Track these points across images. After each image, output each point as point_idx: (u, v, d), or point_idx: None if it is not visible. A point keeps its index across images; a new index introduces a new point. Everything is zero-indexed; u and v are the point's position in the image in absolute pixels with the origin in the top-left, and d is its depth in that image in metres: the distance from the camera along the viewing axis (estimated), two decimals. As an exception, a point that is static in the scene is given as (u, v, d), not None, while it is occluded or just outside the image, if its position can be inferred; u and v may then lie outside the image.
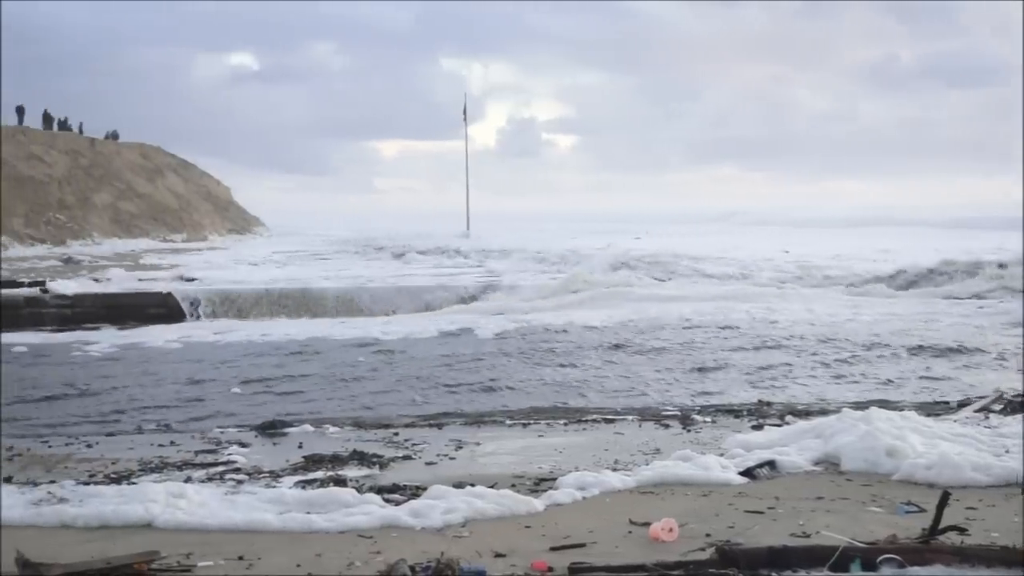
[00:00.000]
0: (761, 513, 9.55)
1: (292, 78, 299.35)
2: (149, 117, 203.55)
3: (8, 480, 11.76)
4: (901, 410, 13.87)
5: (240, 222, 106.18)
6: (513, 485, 10.90)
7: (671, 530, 8.66)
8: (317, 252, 66.23)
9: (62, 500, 10.47)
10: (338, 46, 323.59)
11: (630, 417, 16.01)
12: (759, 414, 15.98)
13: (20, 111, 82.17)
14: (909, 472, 10.96)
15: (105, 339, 28.01)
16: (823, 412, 15.34)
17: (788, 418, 15.19)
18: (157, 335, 28.60)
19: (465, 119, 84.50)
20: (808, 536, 8.57)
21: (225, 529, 9.41)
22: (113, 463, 12.91)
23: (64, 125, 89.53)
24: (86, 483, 11.51)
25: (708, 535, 8.69)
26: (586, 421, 15.69)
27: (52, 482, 11.52)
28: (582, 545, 8.55)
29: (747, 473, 11.28)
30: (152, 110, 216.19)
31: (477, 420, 16.13)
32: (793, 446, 12.36)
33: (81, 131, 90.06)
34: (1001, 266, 38.53)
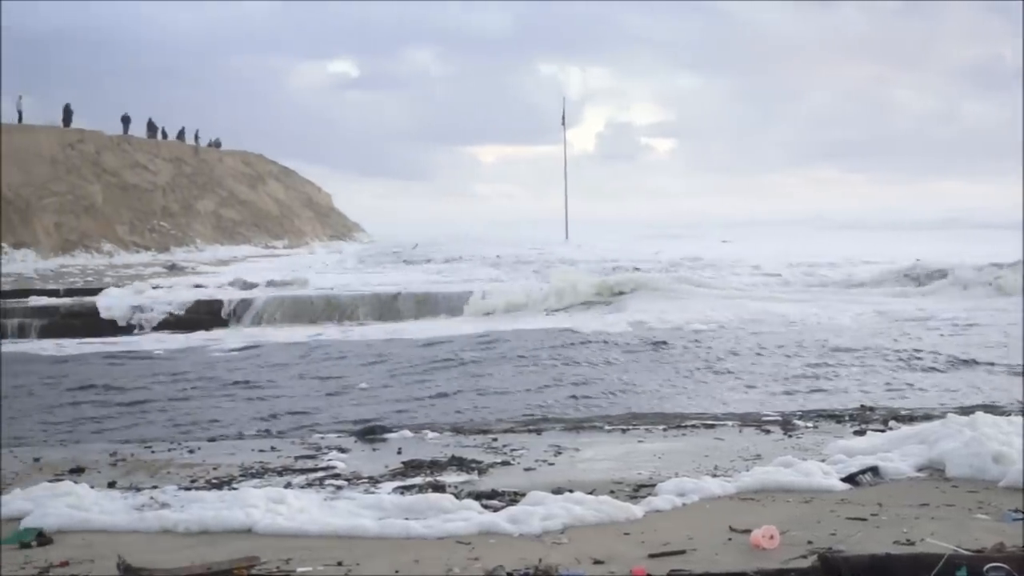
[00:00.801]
0: (864, 520, 9.40)
1: (391, 84, 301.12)
2: (251, 125, 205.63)
3: (111, 485, 11.93)
4: (1007, 415, 13.61)
5: (340, 228, 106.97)
6: (612, 491, 10.84)
7: (772, 537, 8.55)
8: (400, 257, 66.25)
9: (164, 505, 10.58)
10: (437, 52, 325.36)
11: (730, 423, 15.86)
12: (861, 419, 15.76)
13: (126, 120, 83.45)
14: (1016, 478, 10.73)
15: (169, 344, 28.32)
16: (927, 417, 15.10)
17: (891, 423, 14.97)
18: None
19: (564, 124, 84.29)
20: (912, 544, 8.42)
21: (324, 535, 9.45)
22: (215, 468, 13.04)
23: (180, 135, 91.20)
24: (188, 488, 11.64)
25: (810, 542, 8.57)
26: (686, 427, 15.57)
27: (154, 487, 11.66)
28: (681, 552, 8.47)
29: (849, 479, 11.12)
30: (254, 118, 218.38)
31: (576, 426, 16.07)
32: (896, 452, 12.16)
33: (197, 138, 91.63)
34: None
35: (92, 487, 11.43)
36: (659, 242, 72.54)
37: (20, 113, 74.09)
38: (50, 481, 11.86)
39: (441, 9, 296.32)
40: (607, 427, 15.81)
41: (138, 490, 11.57)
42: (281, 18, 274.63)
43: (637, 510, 9.97)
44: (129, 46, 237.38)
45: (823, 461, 11.93)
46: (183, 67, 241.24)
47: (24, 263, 54.04)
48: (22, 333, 32.35)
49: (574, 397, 19.02)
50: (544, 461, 13.13)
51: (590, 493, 10.48)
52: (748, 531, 8.82)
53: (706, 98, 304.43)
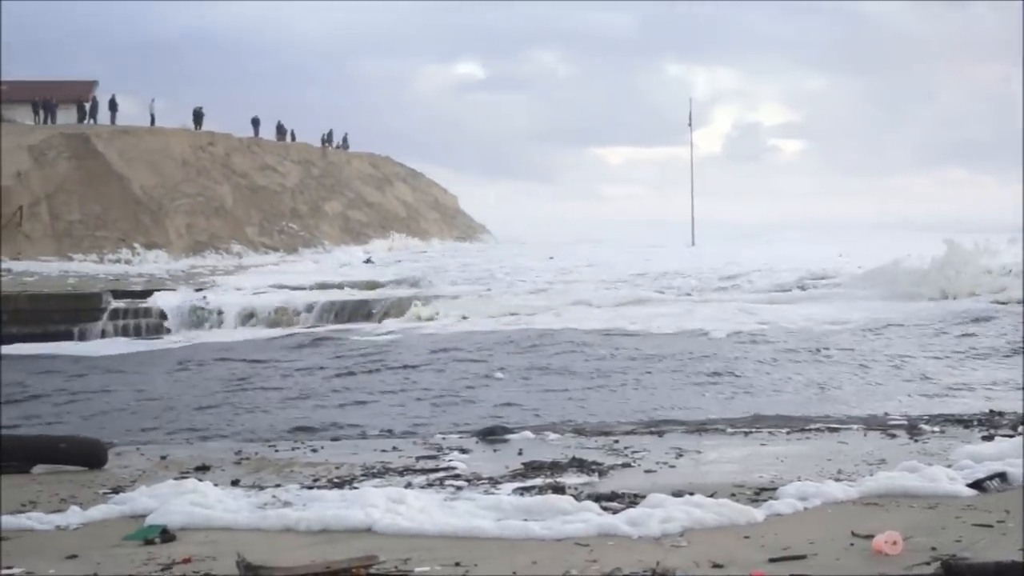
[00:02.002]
0: (990, 527, 9.18)
1: (517, 86, 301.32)
2: (378, 127, 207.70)
3: (235, 483, 12.08)
4: None
5: (466, 230, 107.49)
6: (733, 494, 10.71)
7: (895, 543, 8.39)
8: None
9: (286, 504, 10.69)
10: (562, 53, 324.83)
11: (855, 426, 15.64)
12: (990, 424, 15.42)
13: (256, 123, 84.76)
14: None
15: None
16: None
17: (1021, 428, 14.63)
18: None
19: (691, 125, 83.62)
20: (1040, 552, 8.21)
21: (443, 535, 9.46)
22: (337, 468, 13.15)
23: (330, 139, 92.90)
24: (310, 487, 11.74)
25: (934, 548, 8.39)
26: (809, 430, 15.37)
27: (277, 486, 11.78)
28: (802, 557, 8.35)
29: (976, 485, 10.86)
30: (381, 120, 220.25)
31: (698, 428, 15.96)
32: (1027, 458, 11.87)
33: (330, 139, 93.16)
34: None
35: (216, 485, 11.60)
36: (773, 245, 71.35)
37: (152, 116, 75.63)
38: (175, 479, 12.06)
39: (566, 10, 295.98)
40: (729, 430, 15.67)
41: (261, 488, 11.70)
42: (407, 21, 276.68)
43: (758, 514, 9.85)
44: (258, 49, 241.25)
45: (949, 466, 11.68)
46: (311, 70, 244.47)
47: (156, 264, 55.09)
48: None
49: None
50: (665, 463, 13.04)
51: (710, 496, 10.37)
52: (871, 536, 8.66)
53: (834, 99, 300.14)
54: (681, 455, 13.56)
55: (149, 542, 9.41)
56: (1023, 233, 53.56)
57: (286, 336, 32.43)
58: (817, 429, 15.44)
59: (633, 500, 10.55)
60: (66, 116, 71.94)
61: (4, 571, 8.61)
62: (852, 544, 8.71)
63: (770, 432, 15.26)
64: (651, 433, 15.48)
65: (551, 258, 58.03)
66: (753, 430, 15.51)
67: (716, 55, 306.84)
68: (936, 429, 15.14)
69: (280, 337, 32.23)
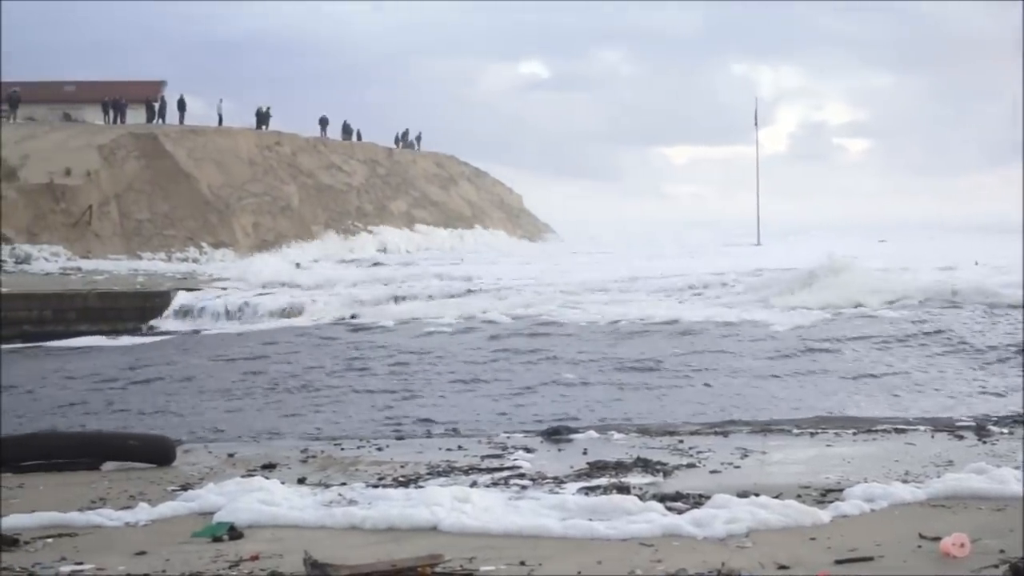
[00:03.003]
0: (1060, 530, 9.09)
1: (581, 86, 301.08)
2: (443, 126, 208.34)
3: (301, 481, 12.16)
4: None
5: (531, 229, 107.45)
6: (799, 495, 10.66)
7: (963, 545, 8.32)
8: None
9: (352, 502, 10.75)
10: (626, 52, 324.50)
11: (922, 427, 15.51)
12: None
13: (323, 122, 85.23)
14: None
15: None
16: None
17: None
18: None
19: (756, 124, 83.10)
20: (1111, 556, 8.11)
21: (508, 534, 9.48)
22: (402, 466, 13.20)
23: (404, 139, 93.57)
24: (375, 486, 11.80)
25: (1002, 551, 8.31)
26: (876, 431, 15.26)
27: (343, 484, 11.85)
28: (869, 559, 8.30)
29: (1046, 487, 10.76)
30: (445, 120, 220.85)
31: (764, 428, 15.90)
32: (1099, 460, 11.74)
33: (406, 137, 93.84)
34: None
35: (283, 483, 11.70)
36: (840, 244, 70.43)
37: (220, 116, 76.19)
38: (242, 476, 12.17)
39: (630, 9, 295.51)
40: (795, 430, 15.59)
41: (327, 486, 11.78)
42: (471, 20, 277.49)
43: (824, 515, 9.79)
44: (324, 49, 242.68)
45: (1018, 468, 11.56)
46: (376, 70, 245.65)
47: (223, 262, 55.51)
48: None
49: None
50: (730, 464, 12.99)
51: (776, 497, 10.33)
52: (938, 539, 8.59)
53: (900, 97, 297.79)
54: (746, 455, 13.52)
55: (217, 539, 9.50)
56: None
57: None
58: (884, 430, 15.33)
59: (698, 500, 10.53)
60: (135, 116, 72.65)
61: (74, 567, 8.73)
62: (919, 546, 8.65)
63: (836, 433, 15.17)
64: (716, 433, 15.43)
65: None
66: (819, 431, 15.42)
67: (781, 53, 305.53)
68: (1005, 430, 15.00)
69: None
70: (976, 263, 39.12)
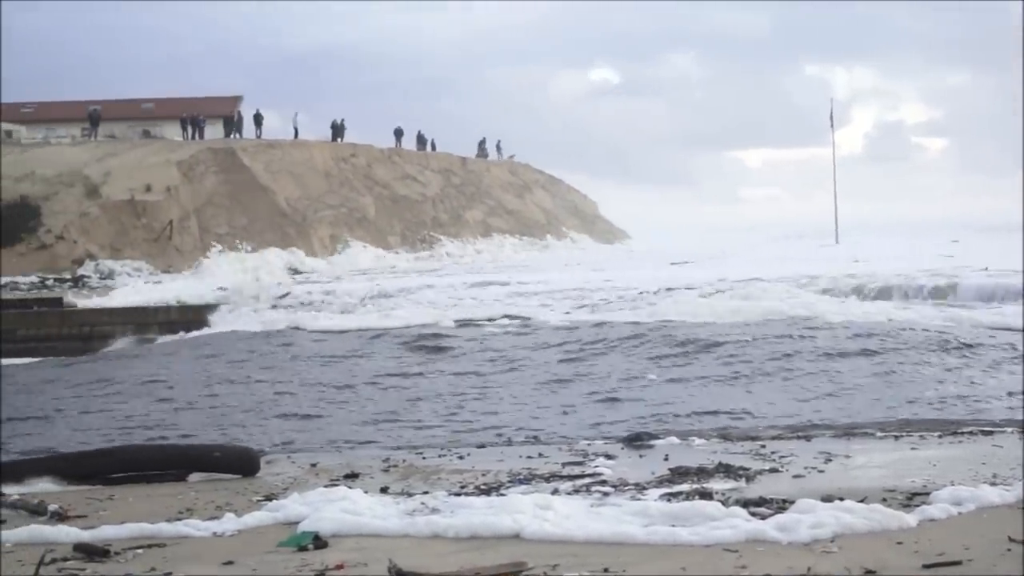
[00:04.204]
0: None
1: (652, 90, 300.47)
2: (516, 134, 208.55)
3: (384, 490, 12.23)
4: None
5: (607, 235, 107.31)
6: (884, 499, 10.58)
7: (1053, 549, 8.23)
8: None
9: (434, 510, 10.80)
10: (697, 56, 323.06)
11: (1009, 429, 15.33)
12: None
13: (398, 133, 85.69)
14: None
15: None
16: None
17: None
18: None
19: (832, 125, 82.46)
20: None
21: (591, 541, 9.49)
22: (483, 474, 13.23)
23: (483, 148, 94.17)
24: (457, 494, 11.85)
25: (1093, 554, 8.22)
26: (962, 433, 15.11)
27: (425, 493, 11.91)
28: (957, 563, 8.23)
29: None
30: (518, 128, 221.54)
31: (847, 432, 15.77)
32: None
33: (484, 146, 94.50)
34: None
35: (365, 492, 11.77)
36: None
37: (296, 129, 76.82)
38: (326, 486, 12.25)
39: (699, 12, 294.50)
40: (879, 434, 15.46)
41: (409, 495, 11.84)
42: (542, 28, 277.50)
43: (910, 519, 9.71)
44: (397, 60, 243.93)
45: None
46: (449, 79, 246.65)
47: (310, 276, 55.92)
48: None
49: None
50: (813, 468, 12.91)
51: (861, 501, 10.26)
52: (1028, 542, 8.51)
53: (977, 95, 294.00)
54: (830, 460, 13.42)
55: (302, 548, 9.59)
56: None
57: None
58: (970, 432, 15.16)
59: (782, 505, 10.47)
60: (213, 132, 73.41)
61: (164, 577, 8.87)
62: (1008, 550, 8.56)
63: (921, 436, 15.03)
64: (798, 438, 15.33)
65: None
66: (903, 434, 15.28)
67: (854, 53, 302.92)
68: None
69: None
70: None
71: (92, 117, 73.71)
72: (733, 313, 30.81)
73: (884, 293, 34.59)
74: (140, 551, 9.82)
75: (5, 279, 47.24)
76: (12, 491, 12.63)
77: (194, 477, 13.74)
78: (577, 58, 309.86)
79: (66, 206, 55.51)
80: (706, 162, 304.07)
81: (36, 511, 11.59)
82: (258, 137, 73.12)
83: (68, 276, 49.43)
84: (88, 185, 57.38)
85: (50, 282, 47.71)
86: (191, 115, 73.66)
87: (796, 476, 12.47)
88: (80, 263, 51.60)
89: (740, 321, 29.36)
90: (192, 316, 36.79)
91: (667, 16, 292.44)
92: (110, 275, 50.65)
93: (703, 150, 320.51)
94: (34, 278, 48.32)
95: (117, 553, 9.70)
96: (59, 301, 38.78)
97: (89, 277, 49.49)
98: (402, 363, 26.26)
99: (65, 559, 9.52)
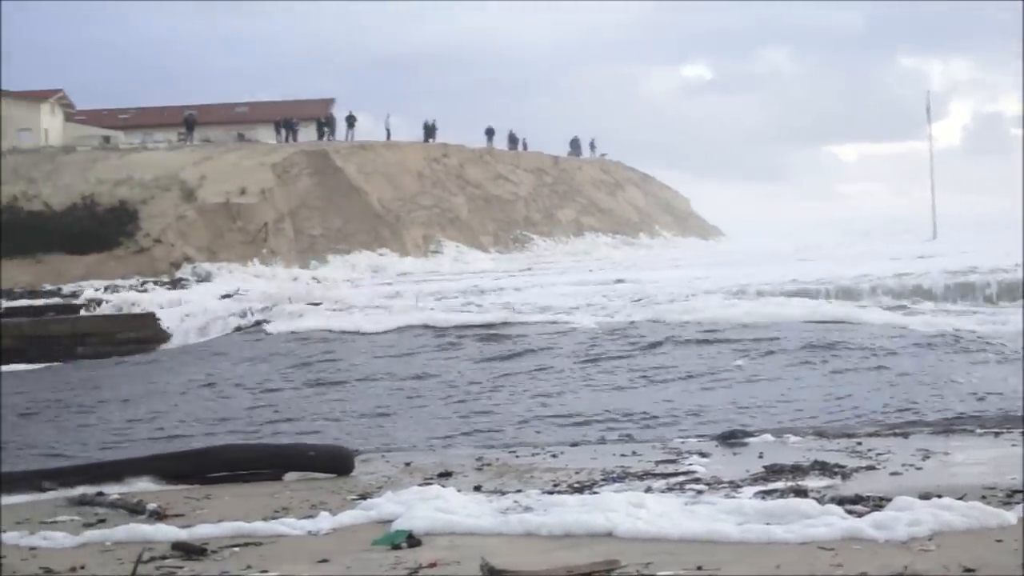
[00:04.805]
0: None
1: (746, 86, 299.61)
2: (607, 132, 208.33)
3: (477, 489, 12.26)
4: None
5: (700, 232, 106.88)
6: (983, 497, 10.39)
7: None
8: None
9: (527, 509, 10.79)
10: (791, 51, 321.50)
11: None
12: None
13: (490, 133, 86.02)
14: None
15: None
16: None
17: None
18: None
19: (928, 118, 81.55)
20: None
21: (684, 539, 9.42)
22: (576, 472, 13.21)
23: (575, 146, 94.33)
24: (550, 492, 11.84)
25: None
26: (1066, 429, 14.85)
27: (518, 491, 11.91)
28: (1058, 561, 8.08)
29: None
30: (610, 125, 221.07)
31: (946, 428, 15.55)
32: None
33: (577, 145, 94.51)
34: None
35: (459, 491, 11.81)
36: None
37: (388, 131, 77.36)
38: (419, 485, 12.30)
39: (793, 7, 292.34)
40: (979, 430, 15.22)
41: (503, 493, 11.85)
42: (633, 25, 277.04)
43: (1010, 516, 9.53)
44: (488, 60, 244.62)
45: None
46: (540, 78, 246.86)
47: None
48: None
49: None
50: (911, 465, 12.73)
51: (960, 498, 10.10)
52: None
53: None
54: (928, 457, 13.23)
55: (396, 547, 9.62)
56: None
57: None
58: (1074, 430, 14.89)
59: (878, 503, 10.33)
60: (306, 134, 74.13)
61: (259, 575, 8.94)
62: (1112, 547, 8.39)
63: (1022, 433, 14.78)
64: (895, 435, 15.14)
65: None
66: (1004, 430, 15.03)
67: (949, 46, 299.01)
68: None
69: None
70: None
71: (188, 122, 74.84)
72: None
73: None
74: (236, 549, 9.92)
75: (106, 282, 48.06)
76: (112, 490, 12.86)
77: (289, 476, 13.87)
78: (669, 55, 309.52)
79: (163, 210, 56.40)
80: (801, 157, 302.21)
81: (135, 510, 11.77)
82: (350, 139, 73.71)
83: (166, 279, 50.14)
84: (184, 189, 58.23)
85: (149, 285, 48.44)
86: (285, 118, 74.53)
87: (893, 473, 12.31)
88: (178, 266, 52.42)
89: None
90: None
91: (760, 12, 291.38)
92: (207, 277, 51.33)
93: (798, 145, 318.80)
94: (133, 281, 49.08)
95: (214, 551, 9.80)
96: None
97: (187, 280, 50.17)
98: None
99: (163, 557, 9.64)
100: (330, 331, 33.71)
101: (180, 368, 29.67)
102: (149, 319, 37.91)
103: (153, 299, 42.61)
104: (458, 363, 26.71)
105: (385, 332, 32.71)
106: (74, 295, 44.66)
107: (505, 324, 32.30)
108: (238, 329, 37.03)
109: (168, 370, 29.52)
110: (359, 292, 43.87)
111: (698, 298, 35.60)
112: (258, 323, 36.82)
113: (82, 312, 40.34)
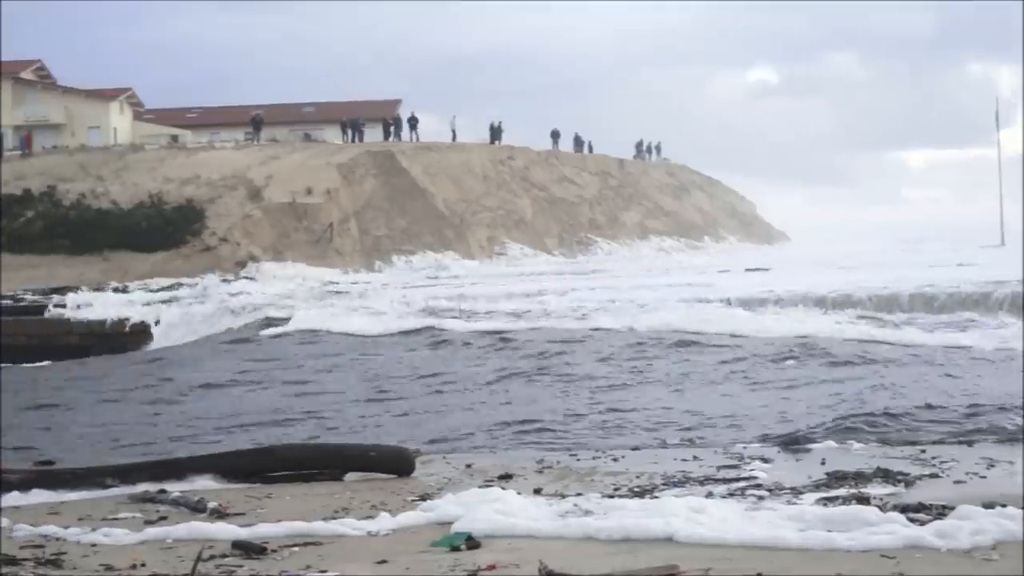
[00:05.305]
0: None
1: (812, 90, 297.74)
2: (672, 136, 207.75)
3: (537, 492, 12.25)
4: None
5: (765, 237, 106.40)
6: (1048, 506, 10.28)
7: None
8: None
9: (587, 512, 10.78)
10: (859, 56, 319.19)
11: None
12: None
13: (555, 135, 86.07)
14: None
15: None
16: None
17: None
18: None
19: (997, 125, 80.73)
20: None
21: (744, 545, 9.37)
22: (637, 477, 13.18)
23: (640, 149, 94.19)
24: (611, 496, 11.82)
25: None
26: None
27: (578, 494, 11.89)
28: (1124, 573, 7.98)
29: None
30: (675, 129, 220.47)
31: (1011, 437, 15.36)
32: None
33: (641, 148, 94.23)
34: None
35: (519, 493, 11.81)
36: None
37: (454, 132, 77.55)
38: (480, 487, 12.31)
39: (861, 11, 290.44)
40: (1045, 440, 15.05)
41: (563, 497, 11.84)
42: (699, 29, 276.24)
43: (1077, 527, 9.43)
44: (554, 61, 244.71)
45: None
46: (606, 80, 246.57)
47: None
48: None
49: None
50: (975, 474, 12.59)
51: (1024, 508, 9.99)
52: None
53: None
54: (992, 466, 13.08)
55: (455, 549, 9.64)
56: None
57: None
58: None
59: (941, 512, 10.23)
60: (372, 135, 74.45)
61: (318, 574, 8.98)
62: None
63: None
64: (960, 443, 14.99)
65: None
66: (1071, 440, 14.85)
67: (1019, 51, 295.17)
68: None
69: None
70: None
71: (255, 121, 75.40)
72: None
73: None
74: (296, 549, 9.98)
75: (171, 280, 48.51)
76: (174, 488, 12.97)
77: (350, 476, 13.93)
78: (735, 58, 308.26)
79: (229, 209, 56.83)
80: (867, 162, 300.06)
81: (196, 508, 11.87)
82: (414, 140, 73.99)
83: (231, 278, 50.52)
84: (251, 188, 58.67)
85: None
86: (351, 118, 74.83)
87: (957, 482, 12.19)
88: (243, 265, 52.75)
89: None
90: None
91: (827, 15, 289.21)
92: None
93: (864, 150, 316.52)
94: (199, 279, 49.48)
95: (273, 551, 9.87)
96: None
97: (253, 279, 50.52)
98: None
99: (223, 556, 9.72)
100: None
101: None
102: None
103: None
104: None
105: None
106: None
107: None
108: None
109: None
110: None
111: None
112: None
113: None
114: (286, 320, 37.16)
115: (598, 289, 43.25)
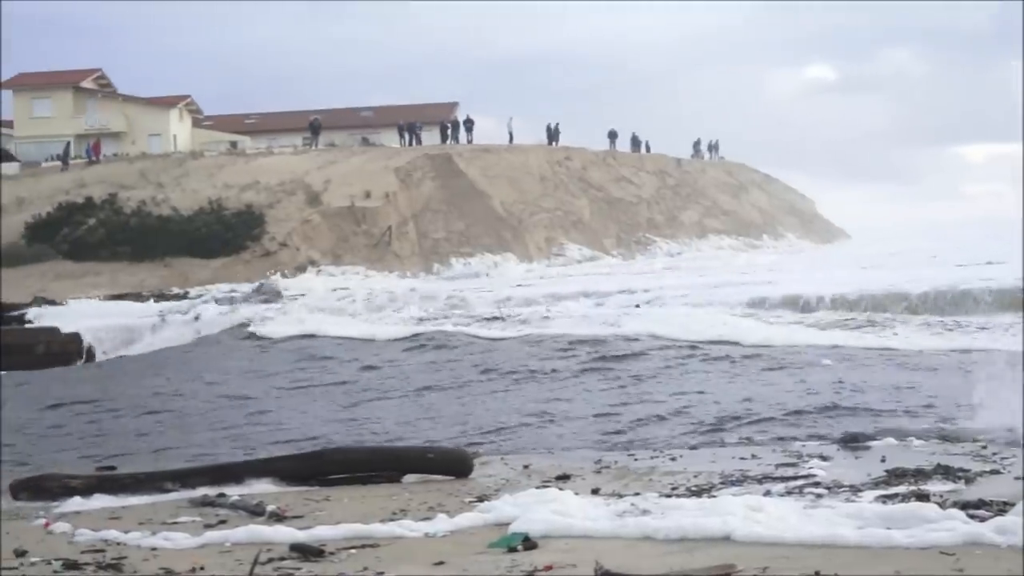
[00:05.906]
0: None
1: (869, 87, 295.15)
2: (730, 134, 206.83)
3: (595, 492, 12.24)
4: None
5: (824, 235, 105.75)
6: (1112, 501, 10.16)
7: None
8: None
9: (644, 512, 10.77)
10: (916, 51, 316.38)
11: None
12: None
13: (612, 135, 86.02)
14: None
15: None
16: None
17: None
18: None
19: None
20: None
21: (802, 543, 9.33)
22: (695, 476, 13.14)
23: (698, 148, 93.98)
24: (668, 496, 11.79)
25: None
26: None
27: (636, 494, 11.87)
28: None
29: None
30: (733, 127, 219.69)
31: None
32: None
33: (699, 147, 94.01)
34: None
35: (576, 494, 11.80)
36: None
37: (511, 134, 77.59)
38: (537, 488, 12.31)
39: (917, 6, 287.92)
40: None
41: (620, 496, 11.83)
42: (755, 27, 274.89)
43: None
44: (610, 62, 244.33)
45: None
46: (662, 80, 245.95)
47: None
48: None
49: None
50: (1037, 470, 12.49)
51: (1087, 503, 9.88)
52: None
53: None
54: (1055, 461, 12.96)
55: (512, 549, 9.66)
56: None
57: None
58: None
59: (1002, 508, 10.14)
60: (430, 138, 74.66)
61: (376, 576, 9.04)
62: None
63: None
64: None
65: None
66: None
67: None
68: None
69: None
70: None
71: (313, 126, 75.89)
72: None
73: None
74: (354, 551, 10.03)
75: (230, 285, 48.78)
76: (233, 492, 13.07)
77: (408, 478, 13.99)
78: (791, 56, 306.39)
79: (288, 214, 57.13)
80: (927, 158, 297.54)
81: (255, 511, 11.96)
82: (469, 142, 74.14)
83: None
84: (309, 193, 58.95)
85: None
86: (408, 122, 75.08)
87: (1018, 478, 12.06)
88: (303, 269, 53.01)
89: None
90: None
91: (883, 11, 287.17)
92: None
93: (923, 146, 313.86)
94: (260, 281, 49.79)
95: (331, 553, 9.93)
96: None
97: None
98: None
99: (281, 558, 9.79)
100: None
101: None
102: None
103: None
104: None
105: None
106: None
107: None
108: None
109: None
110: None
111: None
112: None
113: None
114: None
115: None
